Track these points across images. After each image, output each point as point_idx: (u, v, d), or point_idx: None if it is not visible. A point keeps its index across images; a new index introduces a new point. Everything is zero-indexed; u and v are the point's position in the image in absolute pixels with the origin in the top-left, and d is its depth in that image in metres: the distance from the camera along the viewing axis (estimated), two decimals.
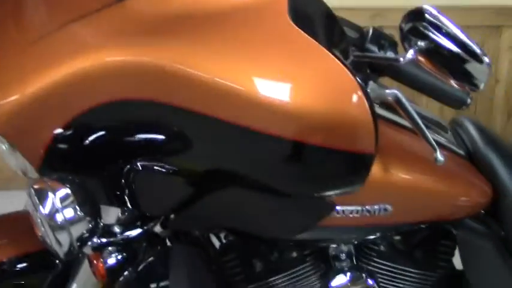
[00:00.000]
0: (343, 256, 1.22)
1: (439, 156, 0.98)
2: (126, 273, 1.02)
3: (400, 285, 1.30)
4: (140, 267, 1.03)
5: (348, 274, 1.21)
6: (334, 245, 1.22)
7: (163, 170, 0.95)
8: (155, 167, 0.95)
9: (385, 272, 1.28)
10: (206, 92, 0.84)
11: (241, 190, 0.94)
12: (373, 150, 0.88)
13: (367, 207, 1.06)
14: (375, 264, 1.27)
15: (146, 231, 1.06)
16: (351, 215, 1.06)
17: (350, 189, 0.93)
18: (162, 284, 1.07)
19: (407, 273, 1.29)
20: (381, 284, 1.28)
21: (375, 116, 0.85)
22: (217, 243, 1.30)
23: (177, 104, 0.86)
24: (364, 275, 1.20)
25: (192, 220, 1.02)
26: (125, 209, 1.08)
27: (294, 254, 1.26)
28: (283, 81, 0.82)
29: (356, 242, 1.21)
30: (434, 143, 0.98)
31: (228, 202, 0.97)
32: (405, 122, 1.07)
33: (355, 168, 0.90)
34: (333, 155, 0.86)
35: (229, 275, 1.28)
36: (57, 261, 1.24)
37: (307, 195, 0.94)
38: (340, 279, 1.21)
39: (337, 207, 1.04)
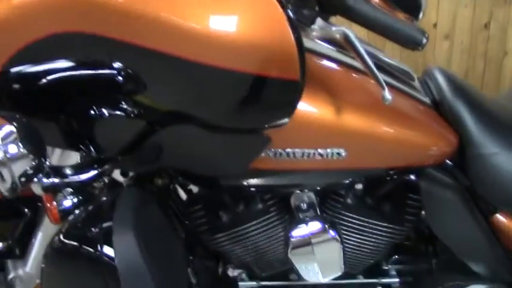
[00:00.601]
0: (304, 206, 1.20)
1: (387, 94, 0.96)
2: (77, 214, 1.02)
3: (367, 238, 1.28)
4: (92, 209, 1.03)
5: (310, 224, 1.19)
6: (296, 194, 1.20)
7: (107, 109, 0.95)
8: (99, 107, 0.96)
9: (350, 224, 1.26)
10: (144, 24, 0.83)
11: (179, 127, 0.93)
12: (298, 78, 0.87)
13: (319, 150, 1.04)
14: (340, 216, 1.26)
15: (100, 174, 1.06)
16: (303, 158, 1.04)
17: (280, 120, 0.92)
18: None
19: (373, 226, 1.27)
20: (346, 236, 1.27)
21: (301, 45, 0.85)
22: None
23: (118, 38, 0.86)
24: (326, 225, 1.19)
25: (138, 160, 1.02)
26: (82, 151, 1.08)
27: (259, 205, 1.26)
28: (212, 12, 0.82)
29: (318, 189, 1.19)
30: (382, 81, 0.96)
31: (168, 140, 0.97)
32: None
33: (282, 96, 0.89)
34: (261, 82, 0.85)
35: (197, 226, 1.29)
36: (26, 209, 1.27)
37: (241, 128, 0.93)
38: (301, 229, 1.19)
39: (288, 150, 1.03)
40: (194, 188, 1.34)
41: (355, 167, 1.09)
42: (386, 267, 1.40)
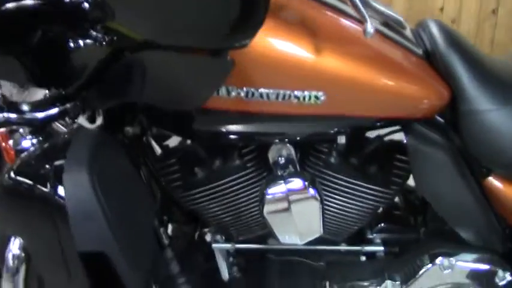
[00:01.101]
0: (282, 160, 1.12)
1: (369, 27, 0.87)
2: (31, 151, 0.95)
3: (349, 200, 1.20)
4: (46, 147, 0.95)
5: (288, 180, 1.11)
6: (275, 147, 1.12)
7: (69, 37, 0.88)
8: (61, 35, 0.88)
9: (331, 184, 1.18)
10: None
11: (143, 53, 0.86)
12: None
13: (295, 92, 0.96)
14: (321, 175, 1.17)
15: (60, 114, 0.99)
16: (277, 101, 0.96)
17: (243, 39, 0.85)
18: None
19: (356, 188, 1.18)
20: (327, 197, 1.19)
21: None
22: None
23: None
24: (306, 183, 1.10)
25: (102, 94, 0.94)
26: (43, 86, 1.01)
27: (235, 160, 1.18)
28: None
29: (297, 140, 1.10)
30: (365, 13, 0.88)
31: (132, 69, 0.89)
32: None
33: (245, 11, 0.81)
34: None
35: (170, 181, 1.21)
36: None
37: (204, 47, 0.85)
38: (279, 186, 1.11)
39: (261, 89, 0.95)
40: (168, 142, 1.26)
41: (335, 113, 1.00)
42: (371, 236, 1.31)
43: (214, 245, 1.28)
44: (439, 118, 1.13)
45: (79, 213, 0.85)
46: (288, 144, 1.12)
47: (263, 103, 0.96)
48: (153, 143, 1.24)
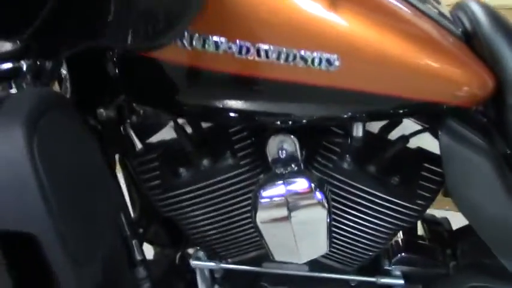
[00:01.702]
0: (283, 155, 0.90)
1: None
2: None
3: (364, 215, 0.98)
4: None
5: (289, 181, 0.88)
6: (275, 139, 0.91)
7: None
8: None
9: (342, 193, 0.97)
10: None
11: None
12: None
13: (302, 52, 0.75)
14: (330, 180, 0.96)
15: (12, 71, 0.80)
16: (279, 62, 0.76)
17: None
18: None
19: (373, 199, 0.96)
20: (337, 209, 0.96)
21: None
22: None
23: None
24: (312, 184, 0.88)
25: (59, 38, 0.75)
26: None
27: (227, 158, 0.97)
28: None
29: (302, 131, 0.89)
30: None
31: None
32: None
33: None
34: None
35: (147, 180, 1.00)
36: None
37: None
38: (277, 186, 0.89)
39: (259, 45, 0.74)
40: (150, 136, 1.06)
41: (351, 87, 0.79)
42: (389, 267, 1.07)
43: (193, 263, 1.04)
44: (478, 115, 0.92)
45: (4, 179, 0.64)
46: (291, 136, 0.91)
47: (260, 64, 0.75)
48: (133, 134, 1.04)
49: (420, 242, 1.13)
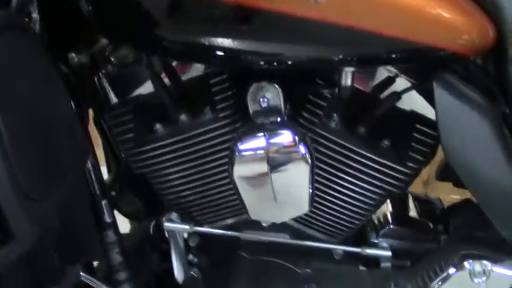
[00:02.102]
0: (265, 104, 0.84)
1: None
2: None
3: (350, 177, 0.91)
4: None
5: (271, 132, 0.81)
6: (256, 87, 0.84)
7: None
8: None
9: (328, 152, 0.89)
10: None
11: None
12: None
13: None
14: (315, 137, 0.89)
15: None
16: None
17: None
18: None
19: (361, 160, 0.89)
20: (321, 169, 0.90)
21: None
22: None
23: None
24: (296, 137, 0.81)
25: None
26: None
27: (206, 111, 0.90)
28: None
29: (285, 79, 0.83)
30: None
31: None
32: None
33: None
34: None
35: (120, 133, 0.94)
36: None
37: None
38: (257, 138, 0.82)
39: None
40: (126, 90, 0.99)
41: (340, 21, 0.72)
42: (375, 240, 1.00)
43: (166, 225, 0.97)
44: (477, 69, 0.85)
45: None
46: (274, 84, 0.84)
47: None
48: (107, 86, 0.97)
49: (410, 216, 1.06)
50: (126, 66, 0.95)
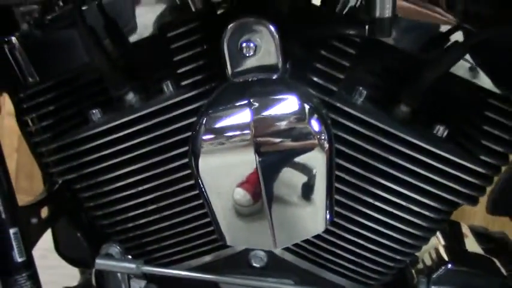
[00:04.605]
0: (250, 52, 0.51)
1: None
2: None
3: (388, 181, 0.58)
4: None
5: (261, 96, 0.49)
6: (236, 25, 0.51)
7: None
8: None
9: (353, 140, 0.56)
10: None
11: None
12: None
13: None
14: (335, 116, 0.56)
15: None
16: None
17: None
18: None
19: (408, 151, 0.56)
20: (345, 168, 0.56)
21: None
22: None
23: None
24: (305, 105, 0.49)
25: None
26: None
27: (161, 81, 0.59)
28: None
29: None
30: None
31: None
32: None
33: None
34: None
35: (37, 119, 0.64)
36: None
37: None
38: (237, 113, 0.49)
39: None
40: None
41: None
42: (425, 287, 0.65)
43: (99, 262, 0.61)
44: None
45: None
46: (266, 23, 0.51)
47: None
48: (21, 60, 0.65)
49: (469, 251, 0.72)
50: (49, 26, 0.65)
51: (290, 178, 0.50)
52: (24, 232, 0.69)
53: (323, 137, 0.49)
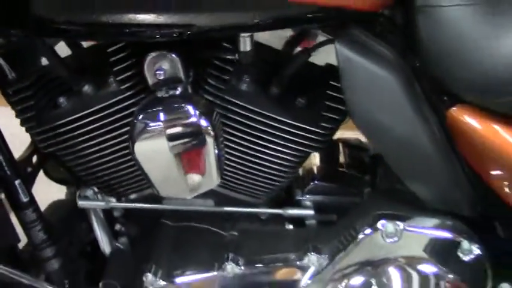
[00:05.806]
0: (161, 76, 0.78)
1: None
2: None
3: (265, 142, 0.87)
4: None
5: (168, 105, 0.77)
6: (150, 58, 0.78)
7: None
8: None
9: (239, 119, 0.85)
10: None
11: None
12: None
13: None
14: (224, 105, 0.84)
15: None
16: None
17: None
18: None
19: (274, 124, 0.85)
20: (234, 136, 0.86)
21: None
22: None
23: None
24: (196, 111, 0.77)
25: None
26: None
27: (109, 83, 0.85)
28: None
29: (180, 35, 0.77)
30: None
31: None
32: None
33: None
34: None
35: (22, 111, 0.88)
36: None
37: None
38: (154, 112, 0.77)
39: None
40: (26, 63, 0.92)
41: None
42: (301, 197, 0.98)
43: (80, 203, 0.94)
44: (385, 23, 0.80)
45: None
46: (170, 54, 0.78)
47: None
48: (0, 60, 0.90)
49: (336, 169, 1.04)
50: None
51: (192, 153, 0.79)
52: (25, 179, 1.00)
53: (209, 128, 0.77)
